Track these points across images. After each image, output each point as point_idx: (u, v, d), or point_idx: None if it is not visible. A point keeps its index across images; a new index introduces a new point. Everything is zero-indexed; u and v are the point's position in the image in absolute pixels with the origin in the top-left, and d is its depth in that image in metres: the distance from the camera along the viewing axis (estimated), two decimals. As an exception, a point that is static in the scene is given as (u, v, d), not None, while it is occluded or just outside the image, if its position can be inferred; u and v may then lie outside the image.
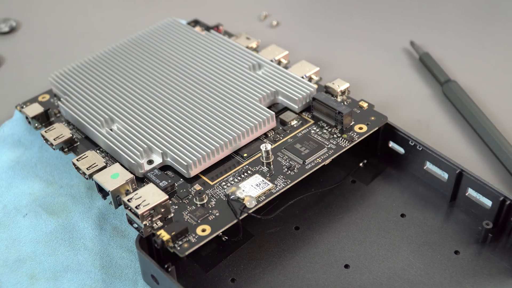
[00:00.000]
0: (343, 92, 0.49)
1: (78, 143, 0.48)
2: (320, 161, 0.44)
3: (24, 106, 0.51)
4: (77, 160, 0.44)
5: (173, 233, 0.38)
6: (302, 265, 0.42)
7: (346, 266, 0.42)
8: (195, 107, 0.47)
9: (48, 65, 0.61)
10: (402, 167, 0.48)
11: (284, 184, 0.42)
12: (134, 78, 0.51)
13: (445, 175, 0.45)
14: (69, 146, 0.47)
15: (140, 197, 0.39)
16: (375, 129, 0.46)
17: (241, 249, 0.43)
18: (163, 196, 0.39)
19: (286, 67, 0.53)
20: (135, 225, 0.40)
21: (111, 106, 0.48)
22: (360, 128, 0.46)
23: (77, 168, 0.44)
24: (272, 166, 0.44)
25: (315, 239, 0.44)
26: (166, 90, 0.49)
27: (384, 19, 0.67)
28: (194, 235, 0.39)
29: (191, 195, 0.42)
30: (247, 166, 0.44)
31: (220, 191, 0.42)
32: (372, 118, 0.47)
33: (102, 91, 0.50)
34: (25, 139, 0.52)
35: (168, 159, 0.44)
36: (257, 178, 0.43)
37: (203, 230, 0.39)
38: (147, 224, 0.39)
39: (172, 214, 0.40)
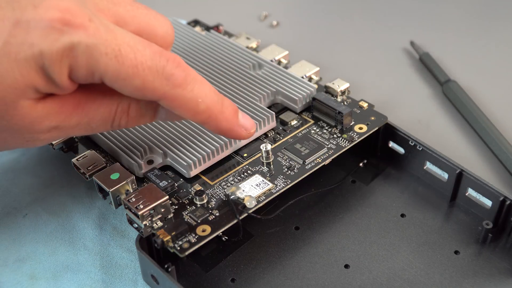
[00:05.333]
0: (343, 92, 0.49)
1: (78, 143, 0.48)
2: (320, 161, 0.44)
3: (24, 106, 0.51)
4: (77, 160, 0.44)
5: (173, 233, 0.38)
6: (302, 265, 0.42)
7: (346, 266, 0.42)
8: (195, 107, 0.47)
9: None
10: (402, 167, 0.48)
11: (284, 184, 0.42)
12: (134, 78, 0.51)
13: (445, 175, 0.45)
14: (69, 146, 0.47)
15: (140, 197, 0.39)
16: (375, 129, 0.46)
17: (241, 249, 0.43)
18: (163, 196, 0.39)
19: (286, 67, 0.53)
20: (135, 225, 0.40)
21: (111, 106, 0.48)
22: (360, 128, 0.46)
23: (77, 168, 0.44)
24: (272, 166, 0.44)
25: (315, 239, 0.44)
26: (166, 90, 0.49)
27: (384, 19, 0.67)
28: (194, 235, 0.39)
29: (191, 195, 0.42)
30: (247, 166, 0.44)
31: (220, 191, 0.42)
32: (372, 118, 0.47)
33: (102, 91, 0.50)
34: (25, 139, 0.52)
35: (168, 159, 0.44)
36: (257, 178, 0.43)
37: (203, 230, 0.39)
38: (147, 224, 0.39)
39: (172, 214, 0.40)
